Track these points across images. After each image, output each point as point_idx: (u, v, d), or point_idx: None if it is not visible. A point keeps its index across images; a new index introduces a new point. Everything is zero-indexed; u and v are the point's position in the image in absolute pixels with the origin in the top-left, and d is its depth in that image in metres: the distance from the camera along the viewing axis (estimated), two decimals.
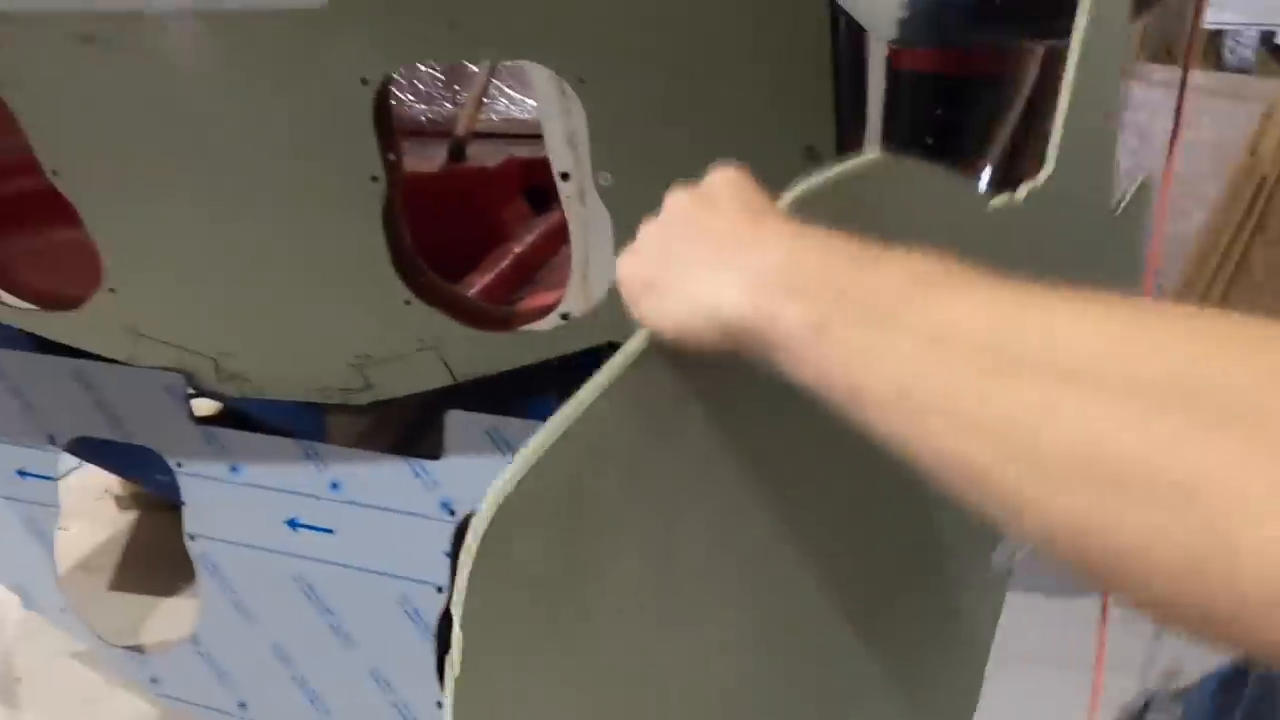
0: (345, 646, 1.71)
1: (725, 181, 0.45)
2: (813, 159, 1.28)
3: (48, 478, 1.87)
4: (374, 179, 1.38)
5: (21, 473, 1.88)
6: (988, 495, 0.29)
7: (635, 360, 0.45)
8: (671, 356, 0.44)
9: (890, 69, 0.91)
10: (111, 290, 1.61)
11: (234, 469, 1.71)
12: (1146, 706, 1.44)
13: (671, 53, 1.23)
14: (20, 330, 1.84)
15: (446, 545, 1.60)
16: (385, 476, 1.61)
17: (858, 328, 0.32)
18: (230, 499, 1.72)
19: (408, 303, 1.52)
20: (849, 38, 1.13)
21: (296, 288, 1.54)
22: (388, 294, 1.51)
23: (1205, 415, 0.23)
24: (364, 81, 1.29)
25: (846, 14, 1.13)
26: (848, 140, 1.23)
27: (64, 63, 1.33)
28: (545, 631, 0.46)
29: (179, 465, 1.74)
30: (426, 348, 1.57)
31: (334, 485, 1.65)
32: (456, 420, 1.56)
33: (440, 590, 1.62)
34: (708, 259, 0.39)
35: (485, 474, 1.61)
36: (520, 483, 0.44)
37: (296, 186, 1.41)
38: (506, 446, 1.56)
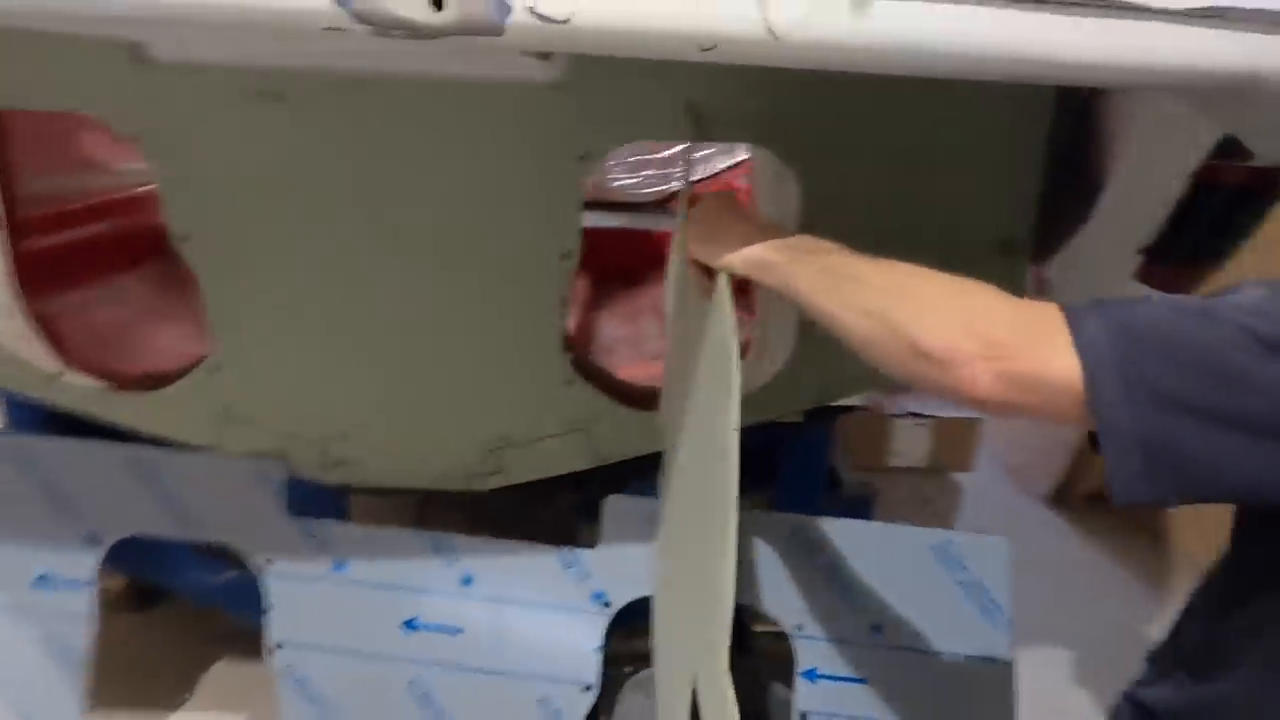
0: None
1: (722, 199, 1.00)
2: (1008, 252, 1.36)
3: (78, 584, 1.59)
4: (565, 255, 1.32)
5: (43, 580, 1.59)
6: (833, 331, 0.78)
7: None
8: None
9: (1201, 181, 0.99)
10: (216, 368, 1.42)
11: (338, 565, 1.53)
12: None
13: (889, 149, 1.27)
14: (49, 416, 1.59)
15: (598, 640, 1.50)
16: (529, 569, 1.50)
17: (798, 264, 0.83)
18: (331, 600, 1.54)
19: (569, 383, 1.45)
20: (1082, 147, 1.23)
21: (448, 367, 1.43)
22: (551, 374, 1.44)
23: (901, 297, 0.74)
24: (583, 158, 1.25)
25: (1081, 130, 1.23)
26: (1053, 235, 1.32)
27: (234, 120, 1.19)
28: None
29: (268, 562, 1.54)
30: (576, 429, 1.50)
31: (466, 580, 1.51)
32: (617, 506, 1.48)
33: (588, 689, 1.51)
34: (741, 236, 0.89)
35: (641, 562, 1.54)
36: None
37: (482, 259, 1.32)
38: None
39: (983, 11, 0.65)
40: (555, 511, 1.95)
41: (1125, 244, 1.13)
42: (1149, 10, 0.69)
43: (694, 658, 0.95)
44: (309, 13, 0.60)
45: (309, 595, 1.54)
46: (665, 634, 1.28)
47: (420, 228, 1.30)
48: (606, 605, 1.49)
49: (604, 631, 1.50)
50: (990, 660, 1.42)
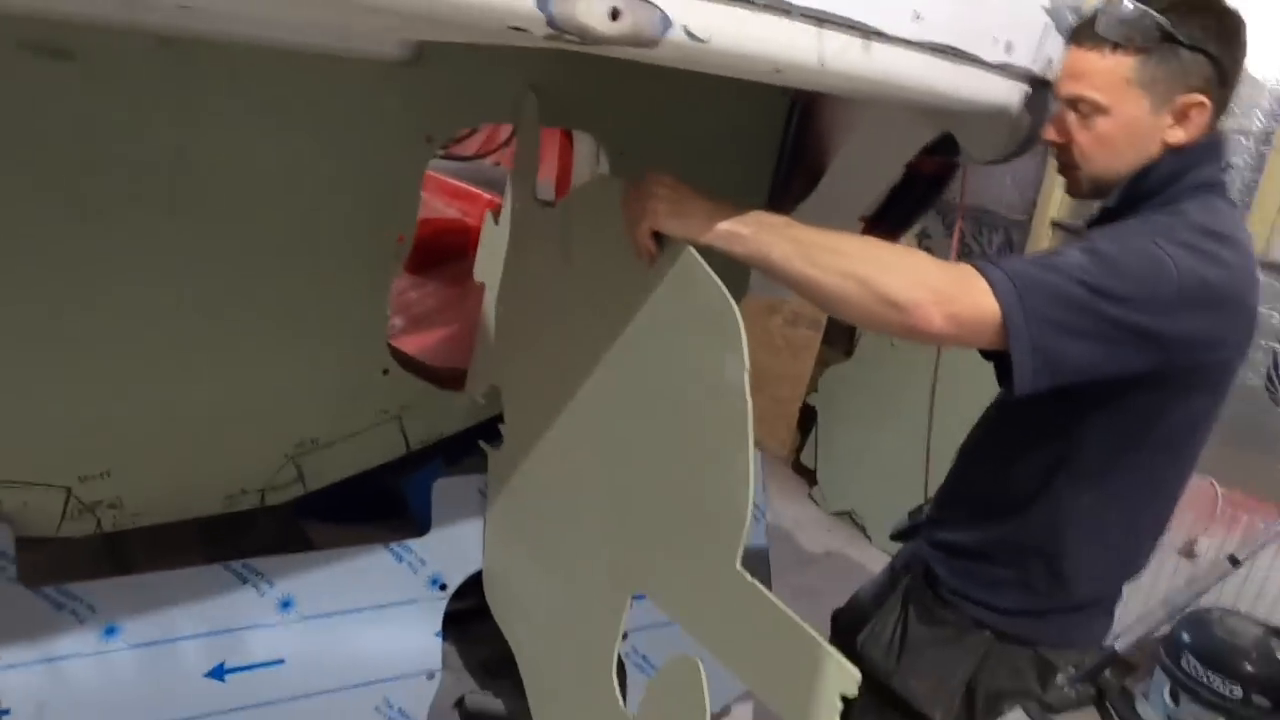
0: None
1: (671, 177, 1.02)
2: None
3: None
4: (401, 239, 1.27)
5: None
6: (806, 289, 0.95)
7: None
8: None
9: (910, 170, 1.41)
10: None
11: (109, 631, 1.25)
12: None
13: (679, 140, 1.49)
14: None
15: (438, 625, 1.48)
16: (359, 573, 1.41)
17: (768, 235, 0.95)
18: (102, 676, 1.25)
19: (386, 371, 1.40)
20: (807, 146, 1.58)
21: (253, 369, 1.25)
22: (371, 362, 1.37)
23: (868, 262, 0.94)
24: (429, 140, 1.21)
25: (806, 131, 1.57)
26: (778, 209, 1.67)
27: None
28: None
29: None
30: (390, 418, 1.45)
31: (285, 604, 1.36)
32: (447, 487, 1.47)
33: (432, 676, 1.49)
34: (710, 213, 0.97)
35: (471, 539, 1.62)
36: None
37: (311, 245, 1.19)
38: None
39: (918, 58, 0.90)
40: (273, 517, 1.78)
41: (851, 213, 1.52)
42: (974, 59, 1.01)
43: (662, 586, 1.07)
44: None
45: (68, 679, 1.23)
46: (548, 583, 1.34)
47: (238, 211, 1.12)
48: (443, 588, 1.49)
49: (442, 615, 1.49)
50: (753, 550, 1.78)
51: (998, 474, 1.20)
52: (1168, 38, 1.01)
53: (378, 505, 1.84)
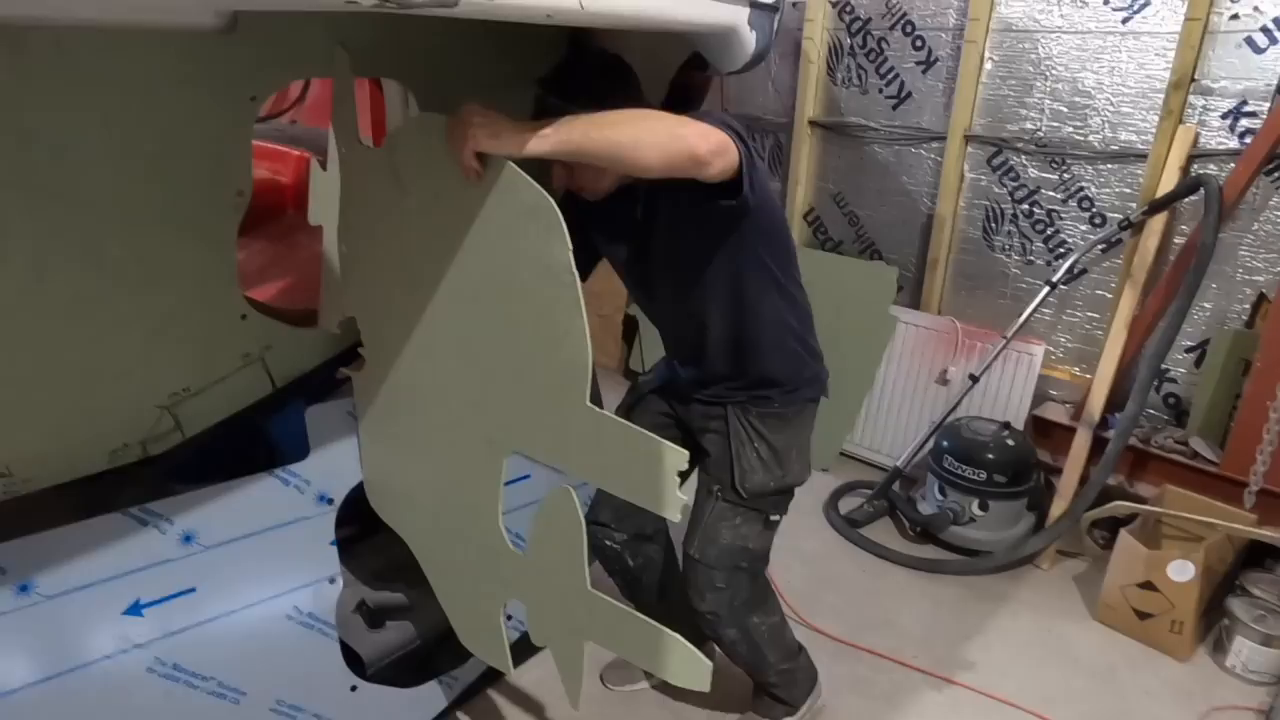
0: (234, 704, 1.57)
1: (480, 106, 1.23)
2: None
3: None
4: (240, 193, 1.41)
5: None
6: (606, 150, 1.24)
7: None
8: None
9: (678, 81, 1.70)
10: None
11: (23, 589, 1.35)
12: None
13: (479, 79, 1.69)
14: None
15: (331, 535, 1.67)
16: (247, 502, 1.56)
17: (566, 128, 1.22)
18: (20, 631, 1.35)
19: (244, 316, 1.53)
20: None
21: (118, 330, 1.36)
22: (229, 310, 1.51)
23: (646, 118, 1.30)
24: (253, 99, 1.35)
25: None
26: None
27: None
28: None
29: None
30: (253, 360, 1.59)
31: (186, 539, 1.50)
32: (319, 414, 1.63)
33: (333, 580, 1.68)
34: (518, 129, 1.20)
35: (347, 455, 1.85)
36: None
37: (156, 208, 1.30)
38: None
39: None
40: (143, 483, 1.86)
41: None
42: None
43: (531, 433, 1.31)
44: None
45: None
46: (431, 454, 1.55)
47: (84, 184, 1.22)
48: (330, 502, 1.67)
49: (333, 526, 1.67)
50: None
51: (720, 318, 1.60)
52: None
53: (241, 461, 1.96)
